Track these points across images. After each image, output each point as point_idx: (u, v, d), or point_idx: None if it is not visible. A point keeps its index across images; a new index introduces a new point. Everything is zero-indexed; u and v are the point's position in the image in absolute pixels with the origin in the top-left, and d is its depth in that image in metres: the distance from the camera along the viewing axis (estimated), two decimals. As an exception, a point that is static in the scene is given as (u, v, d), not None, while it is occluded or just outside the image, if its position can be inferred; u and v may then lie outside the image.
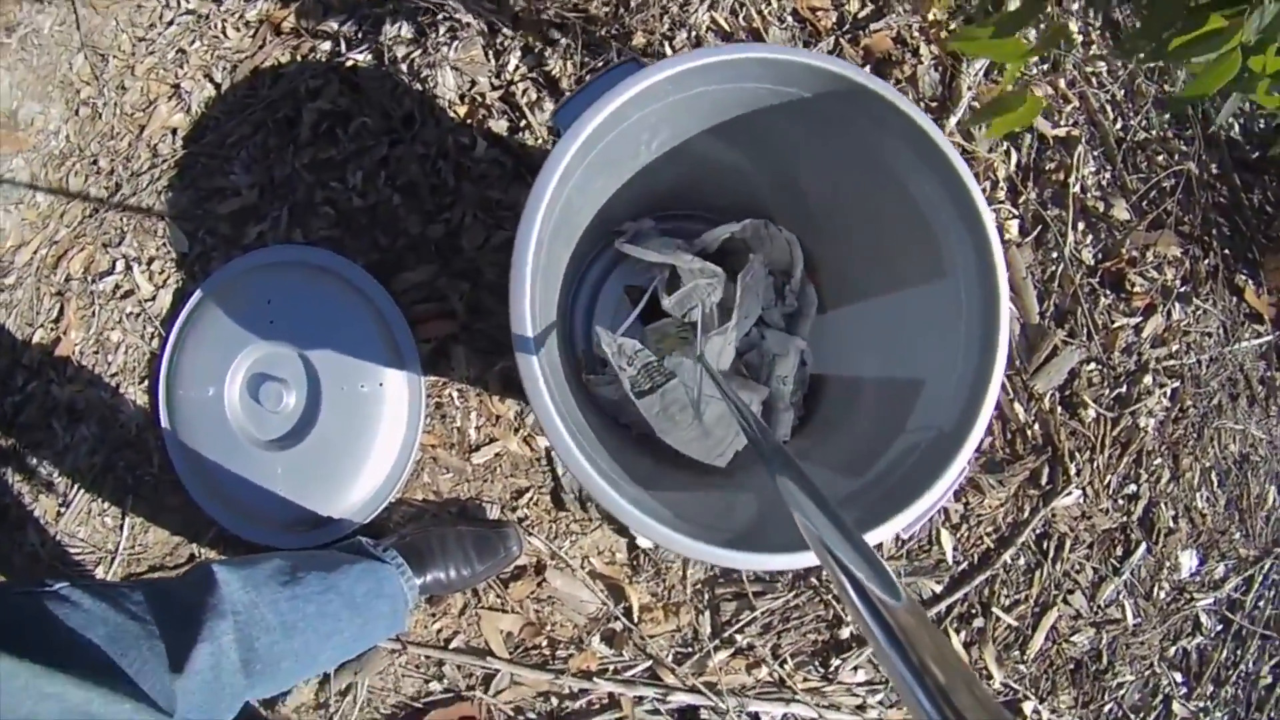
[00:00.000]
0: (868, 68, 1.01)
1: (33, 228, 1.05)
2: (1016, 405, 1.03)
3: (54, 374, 1.01)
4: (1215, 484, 1.10)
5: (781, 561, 0.59)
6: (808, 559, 0.58)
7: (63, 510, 0.99)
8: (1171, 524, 1.07)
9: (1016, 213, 1.06)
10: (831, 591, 0.97)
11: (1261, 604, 1.10)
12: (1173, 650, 1.06)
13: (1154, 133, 1.17)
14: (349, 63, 0.97)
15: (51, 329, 1.02)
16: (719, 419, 0.80)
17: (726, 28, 0.96)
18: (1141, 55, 0.64)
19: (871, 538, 0.60)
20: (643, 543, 0.96)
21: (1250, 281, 1.16)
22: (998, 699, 0.99)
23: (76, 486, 0.99)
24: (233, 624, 0.64)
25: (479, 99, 0.95)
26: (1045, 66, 1.13)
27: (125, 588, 0.63)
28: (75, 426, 0.99)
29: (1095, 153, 1.12)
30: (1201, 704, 1.05)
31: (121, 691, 0.54)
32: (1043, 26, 0.91)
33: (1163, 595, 1.06)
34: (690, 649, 0.95)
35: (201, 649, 0.61)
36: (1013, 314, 1.04)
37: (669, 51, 0.93)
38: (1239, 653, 1.08)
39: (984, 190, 1.05)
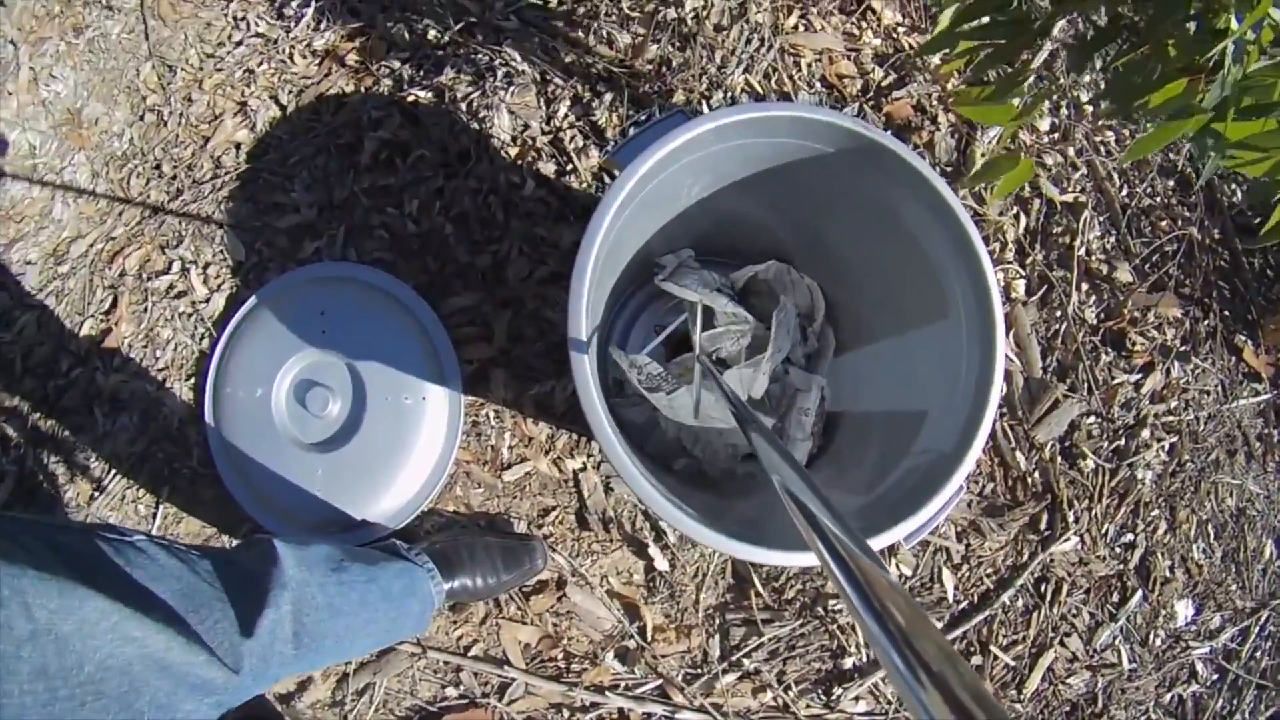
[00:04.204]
0: (889, 132, 1.18)
1: (90, 222, 1.20)
2: (1018, 454, 1.17)
3: (100, 363, 1.14)
4: (1212, 536, 1.24)
5: (784, 559, 0.72)
6: (805, 559, 0.71)
7: (96, 495, 1.10)
8: (1168, 573, 1.20)
9: (1024, 273, 1.23)
10: (837, 622, 1.09)
11: (1258, 655, 1.22)
12: (1168, 697, 1.18)
13: (1158, 199, 1.35)
14: (410, 98, 1.15)
15: (102, 320, 1.15)
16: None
17: (759, 90, 1.14)
18: (1114, 117, 0.79)
19: (878, 542, 0.73)
20: (659, 565, 1.08)
21: (1249, 342, 1.32)
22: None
23: (113, 473, 1.11)
24: (290, 597, 0.74)
25: (530, 142, 1.12)
26: (1055, 135, 1.31)
27: (194, 553, 0.72)
28: (117, 415, 1.12)
29: (1101, 218, 1.30)
30: (1197, 753, 1.17)
31: (196, 643, 0.63)
32: (1030, 95, 1.08)
33: (1159, 642, 1.18)
34: (699, 670, 1.07)
35: (267, 614, 0.70)
36: (1016, 367, 1.19)
37: (707, 109, 1.11)
38: (1235, 702, 1.20)
39: (993, 251, 1.22)
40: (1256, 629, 1.23)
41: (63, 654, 0.53)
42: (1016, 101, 0.83)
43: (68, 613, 0.54)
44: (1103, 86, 1.28)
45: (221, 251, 1.16)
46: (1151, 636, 1.19)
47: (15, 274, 1.17)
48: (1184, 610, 1.21)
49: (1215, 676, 1.21)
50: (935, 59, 1.19)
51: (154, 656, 0.59)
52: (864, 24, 1.24)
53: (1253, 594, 1.25)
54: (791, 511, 0.44)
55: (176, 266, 1.16)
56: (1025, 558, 1.15)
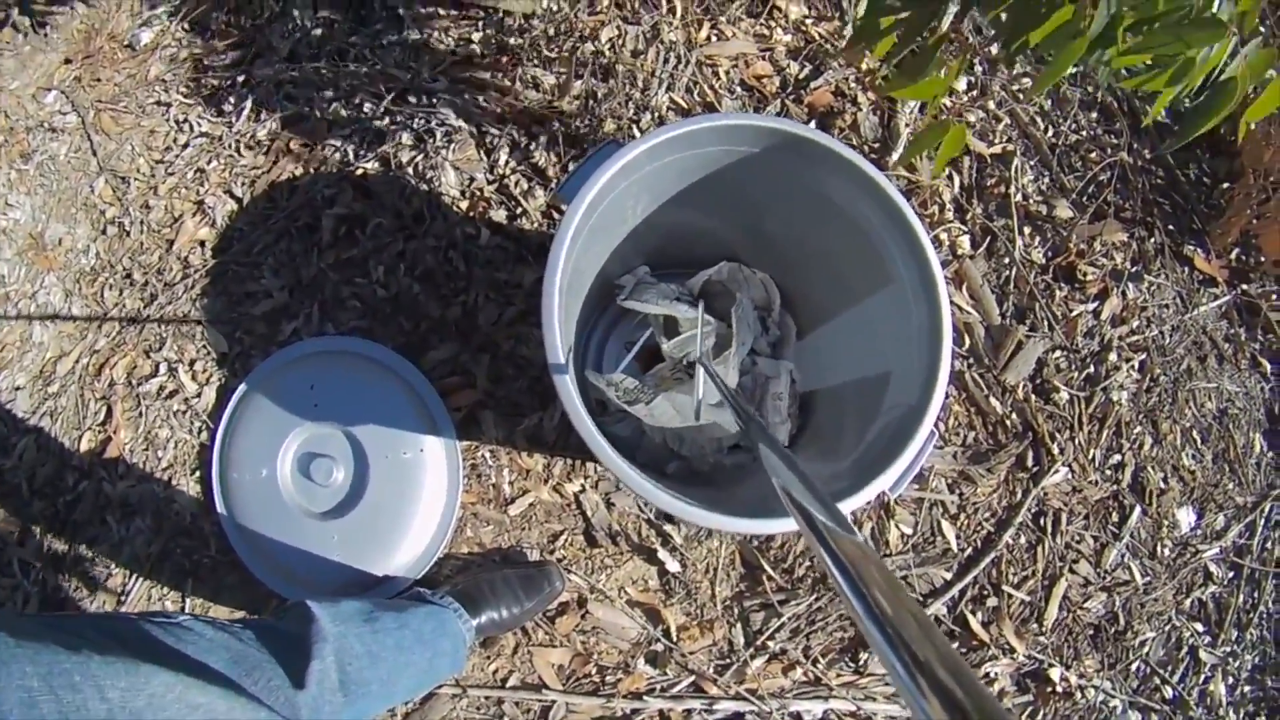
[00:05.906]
0: (813, 122, 1.31)
1: (71, 339, 1.30)
2: (992, 399, 1.28)
3: (105, 473, 1.23)
4: (1199, 441, 1.35)
5: (786, 525, 0.82)
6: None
7: (123, 599, 1.19)
8: (1162, 485, 1.31)
9: (966, 228, 1.35)
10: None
11: (1269, 545, 1.33)
12: (1188, 602, 1.28)
13: (1084, 133, 1.47)
14: (359, 171, 1.27)
15: (100, 431, 1.25)
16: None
17: (684, 105, 1.27)
18: (1017, 57, 0.89)
19: (864, 495, 0.83)
20: (671, 567, 1.18)
21: (1198, 250, 1.44)
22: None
23: (135, 576, 1.20)
24: (332, 648, 0.84)
25: (478, 193, 1.24)
26: (974, 93, 1.44)
27: (236, 625, 0.82)
28: (129, 520, 1.21)
29: (1031, 162, 1.42)
30: (1228, 649, 1.27)
31: (255, 702, 0.73)
32: (953, 63, 1.20)
33: (1167, 552, 1.29)
34: (728, 660, 1.17)
35: (314, 666, 0.80)
36: (975, 317, 1.31)
37: (638, 133, 1.23)
38: (1255, 595, 1.30)
39: (933, 213, 1.34)
40: (1262, 521, 1.34)
41: None
42: (940, 72, 0.94)
43: (137, 690, 0.64)
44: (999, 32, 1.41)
45: (204, 347, 1.27)
46: (1159, 548, 1.29)
47: (6, 401, 1.27)
48: (1186, 517, 1.31)
49: (1230, 574, 1.31)
50: (845, 43, 1.32)
51: (222, 718, 0.68)
52: (772, 23, 1.37)
53: (1251, 489, 1.36)
54: (790, 510, 0.51)
55: (164, 368, 1.27)
56: (1019, 496, 1.26)
